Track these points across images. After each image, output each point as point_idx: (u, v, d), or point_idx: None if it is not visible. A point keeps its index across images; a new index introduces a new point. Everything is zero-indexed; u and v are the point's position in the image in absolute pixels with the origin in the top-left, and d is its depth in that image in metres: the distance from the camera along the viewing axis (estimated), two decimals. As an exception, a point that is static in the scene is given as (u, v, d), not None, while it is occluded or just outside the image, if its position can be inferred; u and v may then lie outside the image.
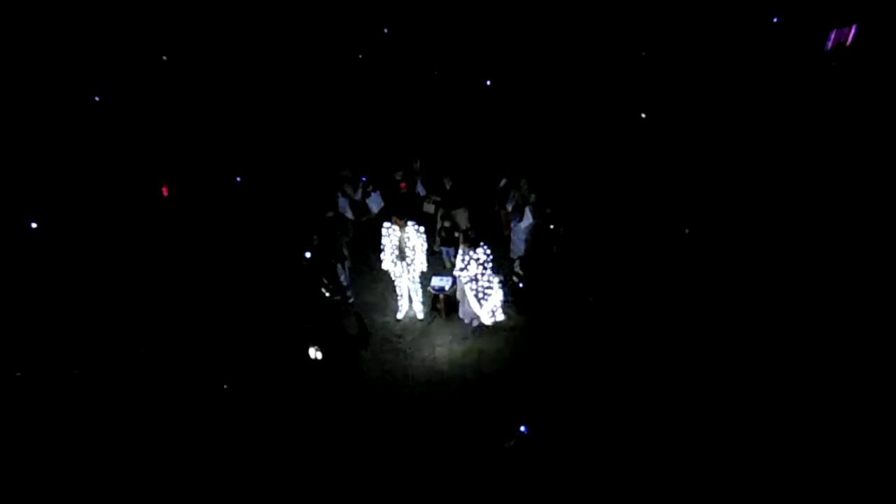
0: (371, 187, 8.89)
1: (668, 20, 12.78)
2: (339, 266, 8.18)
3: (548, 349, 7.44)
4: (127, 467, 6.20)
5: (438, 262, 8.68)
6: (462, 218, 8.55)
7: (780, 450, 6.08)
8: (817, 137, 10.38)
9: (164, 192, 9.85)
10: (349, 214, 8.94)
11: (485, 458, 6.20)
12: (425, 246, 7.64)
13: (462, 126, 11.43)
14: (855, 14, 12.05)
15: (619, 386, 6.88)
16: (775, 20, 12.46)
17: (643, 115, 11.13)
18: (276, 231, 9.34)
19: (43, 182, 10.08)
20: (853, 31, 12.02)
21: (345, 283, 8.31)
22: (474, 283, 7.31)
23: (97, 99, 12.02)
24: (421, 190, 8.97)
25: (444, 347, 7.65)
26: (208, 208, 9.97)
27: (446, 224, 8.32)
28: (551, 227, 8.58)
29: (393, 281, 7.98)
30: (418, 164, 9.04)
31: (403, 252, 7.53)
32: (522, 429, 6.20)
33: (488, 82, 11.96)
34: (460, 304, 7.73)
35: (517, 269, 8.31)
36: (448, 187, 8.51)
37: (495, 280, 7.46)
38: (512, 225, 8.58)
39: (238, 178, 10.23)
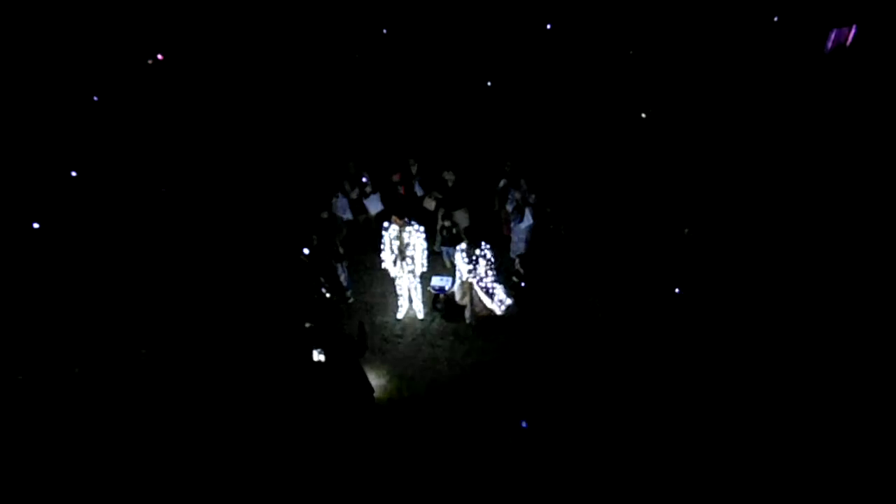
0: (370, 188, 8.88)
1: (668, 20, 12.78)
2: (338, 266, 8.19)
3: (548, 349, 7.45)
4: (128, 468, 6.21)
5: (438, 262, 8.69)
6: (462, 218, 8.56)
7: (779, 449, 6.08)
8: (817, 137, 10.38)
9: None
10: (348, 215, 8.94)
11: (485, 458, 6.21)
12: (425, 246, 7.64)
13: (462, 126, 11.43)
14: (855, 14, 12.05)
15: (618, 385, 6.89)
16: (775, 20, 12.47)
17: (643, 115, 11.13)
18: (274, 231, 9.34)
19: (44, 182, 10.09)
20: (853, 31, 12.02)
21: (345, 283, 8.32)
22: (483, 280, 7.31)
23: (96, 99, 12.04)
24: (419, 191, 8.97)
25: (444, 347, 7.66)
26: (208, 208, 9.96)
27: (446, 224, 8.33)
28: (551, 227, 8.59)
29: (393, 281, 7.99)
30: (416, 167, 9.04)
31: (403, 252, 7.54)
32: (523, 424, 6.23)
33: (489, 83, 11.97)
34: (466, 308, 7.73)
35: (517, 267, 8.32)
36: (450, 184, 8.51)
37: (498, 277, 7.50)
38: (512, 225, 8.59)
39: (237, 179, 10.25)
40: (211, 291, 8.41)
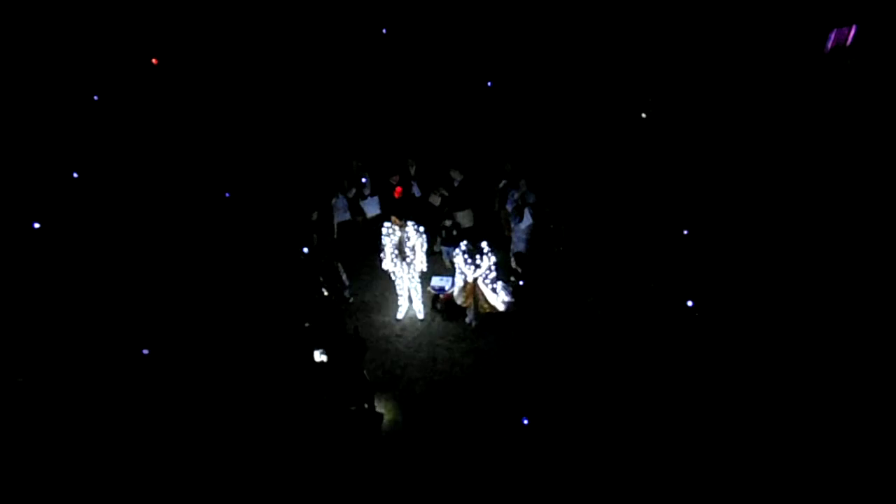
0: (368, 191, 8.87)
1: (668, 20, 12.77)
2: (339, 265, 8.18)
3: (547, 349, 7.46)
4: (128, 468, 6.21)
5: (438, 262, 8.69)
6: (465, 217, 8.56)
7: (779, 449, 6.09)
8: (817, 137, 10.37)
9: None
10: (347, 215, 8.93)
11: (486, 456, 6.21)
12: (425, 246, 7.64)
13: (462, 127, 11.42)
14: (855, 14, 12.03)
15: (617, 385, 6.90)
16: (775, 21, 12.47)
17: (643, 116, 11.12)
18: (274, 230, 9.34)
19: (44, 182, 10.08)
20: (853, 31, 12.01)
21: (346, 283, 8.31)
22: (487, 277, 7.30)
23: (97, 98, 12.03)
24: (416, 192, 8.96)
25: (444, 347, 7.66)
26: (208, 208, 9.96)
27: (447, 223, 8.32)
28: (551, 226, 8.58)
29: (393, 281, 7.99)
30: (414, 168, 9.03)
31: (403, 252, 7.54)
32: (524, 420, 6.24)
33: (489, 83, 11.95)
34: (468, 308, 7.72)
35: (513, 265, 8.31)
36: (456, 183, 8.50)
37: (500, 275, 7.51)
38: (512, 225, 8.59)
39: (237, 179, 10.24)
40: (211, 291, 8.40)
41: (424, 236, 7.58)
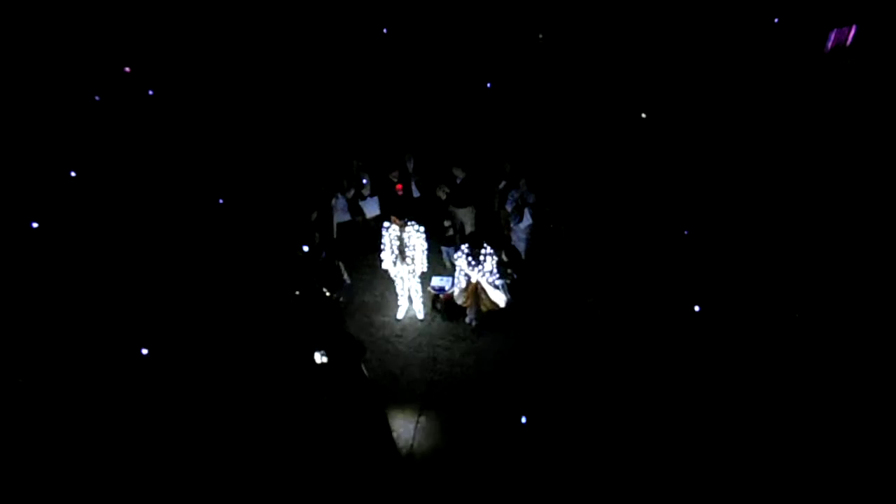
0: (368, 192, 8.86)
1: (668, 20, 12.78)
2: (340, 265, 8.17)
3: (547, 349, 7.45)
4: (128, 468, 6.21)
5: (438, 262, 8.68)
6: (467, 216, 8.55)
7: (779, 449, 6.08)
8: (817, 137, 10.38)
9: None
10: (347, 215, 8.93)
11: (485, 457, 6.20)
12: (425, 246, 7.63)
13: (461, 126, 11.42)
14: (855, 14, 12.04)
15: (617, 385, 6.89)
16: (776, 20, 12.48)
17: (643, 115, 11.12)
18: (274, 230, 9.33)
19: (43, 182, 10.08)
20: (853, 31, 12.02)
21: (348, 281, 8.30)
22: (489, 275, 7.29)
23: (97, 99, 12.03)
24: (415, 192, 8.95)
25: (444, 347, 7.66)
26: (208, 207, 9.95)
27: (446, 223, 8.32)
28: (551, 226, 8.58)
29: (393, 281, 7.98)
30: (412, 164, 9.02)
31: (403, 252, 7.53)
32: (522, 420, 6.23)
33: (488, 84, 11.95)
34: (469, 308, 7.71)
35: (503, 257, 8.28)
36: (458, 180, 8.50)
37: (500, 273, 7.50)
38: (512, 225, 8.58)
39: (237, 178, 10.24)
40: (211, 291, 8.39)
41: (424, 236, 7.58)
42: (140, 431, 6.53)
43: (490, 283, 7.35)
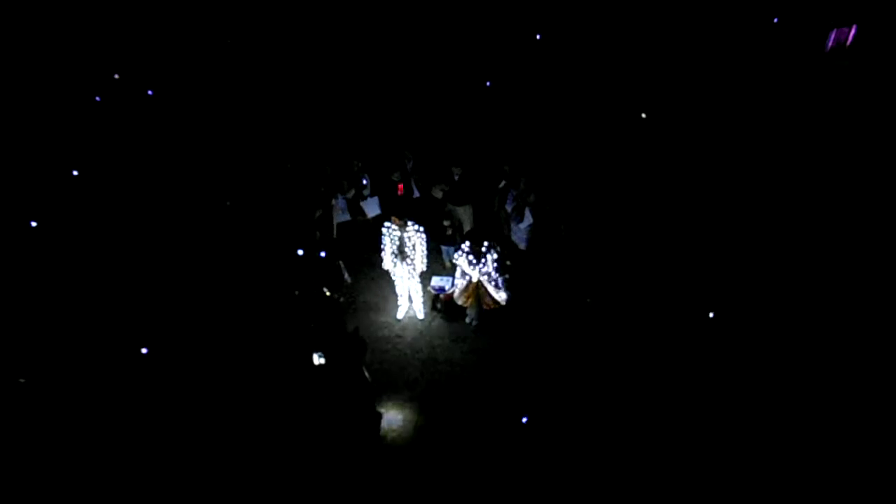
0: (368, 192, 8.86)
1: (668, 20, 12.78)
2: (341, 264, 8.17)
3: (547, 349, 7.45)
4: (128, 468, 6.21)
5: (438, 262, 8.68)
6: (466, 215, 8.54)
7: (778, 449, 6.08)
8: (817, 138, 10.38)
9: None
10: (347, 216, 8.92)
11: (486, 458, 6.20)
12: (425, 246, 7.63)
13: (460, 125, 11.42)
14: (855, 14, 12.04)
15: (617, 385, 6.89)
16: (775, 20, 12.48)
17: (643, 115, 11.12)
18: (274, 229, 9.33)
19: (43, 182, 10.08)
20: (853, 31, 12.02)
21: (349, 280, 8.29)
22: (490, 275, 7.29)
23: (98, 99, 12.03)
24: (415, 191, 8.95)
25: (444, 347, 7.66)
26: (208, 207, 9.95)
27: (445, 223, 8.32)
28: (551, 226, 8.57)
29: (393, 281, 7.98)
30: (411, 162, 9.02)
31: (403, 252, 7.53)
32: (523, 419, 6.23)
33: (488, 83, 11.95)
34: (469, 308, 7.70)
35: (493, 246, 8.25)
36: (456, 177, 8.49)
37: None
38: (512, 225, 8.58)
39: (236, 178, 10.24)
40: (211, 290, 8.39)
41: (424, 236, 7.57)
42: (140, 430, 6.53)
43: (490, 283, 7.35)
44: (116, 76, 12.17)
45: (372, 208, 8.95)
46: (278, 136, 11.46)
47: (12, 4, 12.42)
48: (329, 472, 6.14)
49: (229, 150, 11.15)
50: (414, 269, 7.68)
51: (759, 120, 10.88)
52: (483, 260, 7.18)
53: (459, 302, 7.67)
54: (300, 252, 7.65)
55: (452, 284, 7.88)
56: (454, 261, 7.53)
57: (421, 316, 8.10)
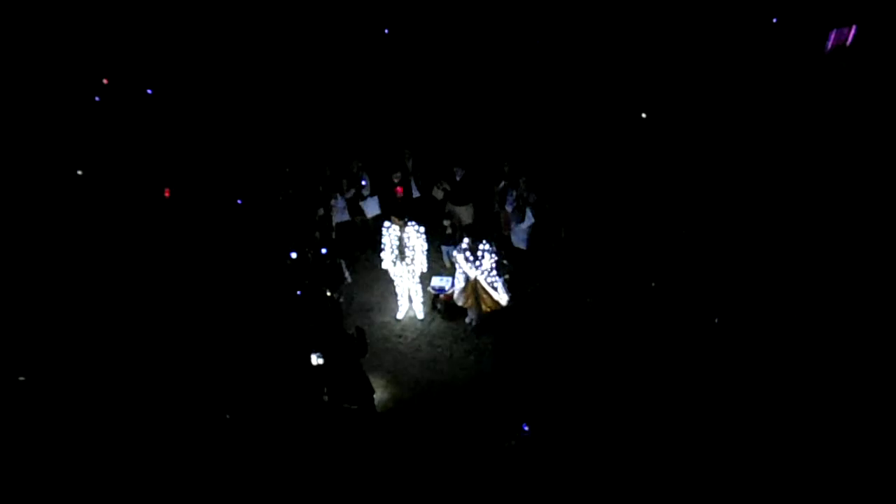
0: (367, 192, 8.86)
1: (667, 20, 12.78)
2: (342, 263, 8.17)
3: (547, 349, 7.45)
4: (128, 468, 6.21)
5: (438, 262, 8.68)
6: (466, 214, 8.54)
7: (779, 449, 6.09)
8: (817, 138, 10.38)
9: (167, 193, 9.83)
10: (346, 216, 8.92)
11: (486, 458, 6.21)
12: (425, 246, 7.63)
13: (461, 125, 11.43)
14: (855, 14, 12.04)
15: (617, 386, 6.90)
16: (775, 20, 12.48)
17: (643, 115, 11.12)
18: (274, 229, 9.33)
19: (43, 182, 10.08)
20: (853, 31, 12.01)
21: (349, 280, 8.30)
22: (489, 274, 7.29)
23: (98, 99, 12.03)
24: (415, 191, 8.95)
25: (444, 347, 7.66)
26: (208, 207, 9.96)
27: (446, 223, 8.32)
28: (551, 226, 8.57)
29: (393, 281, 7.98)
30: (411, 162, 9.02)
31: (403, 252, 7.53)
32: (524, 427, 6.22)
33: (487, 83, 11.97)
34: (470, 308, 7.70)
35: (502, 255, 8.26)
36: (458, 178, 8.49)
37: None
38: (512, 226, 8.58)
39: (236, 177, 10.25)
40: (211, 290, 8.40)
41: (424, 236, 7.57)
42: (140, 430, 6.53)
43: (489, 283, 7.36)
44: (105, 81, 12.14)
45: (372, 208, 8.95)
46: (278, 136, 11.47)
47: (12, 4, 12.41)
48: (329, 472, 6.15)
49: (229, 150, 11.16)
50: (414, 269, 7.69)
51: (759, 120, 10.89)
52: (481, 259, 7.18)
53: (459, 303, 7.66)
54: (293, 255, 7.64)
55: (452, 284, 7.88)
56: (454, 260, 7.53)
57: (421, 316, 8.11)
